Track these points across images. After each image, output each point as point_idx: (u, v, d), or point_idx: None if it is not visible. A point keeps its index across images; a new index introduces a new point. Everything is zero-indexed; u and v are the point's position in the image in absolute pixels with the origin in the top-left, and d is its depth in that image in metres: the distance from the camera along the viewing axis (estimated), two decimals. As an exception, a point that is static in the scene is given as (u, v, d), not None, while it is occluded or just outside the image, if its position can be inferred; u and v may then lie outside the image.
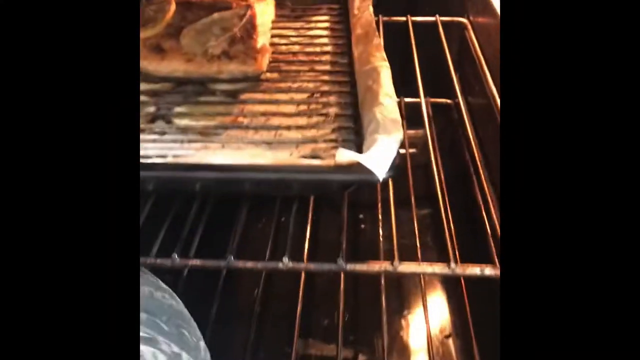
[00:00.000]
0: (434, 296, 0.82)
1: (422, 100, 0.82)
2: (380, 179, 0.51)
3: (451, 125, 1.05)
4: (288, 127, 0.71)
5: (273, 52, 0.85)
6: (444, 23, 1.02)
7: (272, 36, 0.90)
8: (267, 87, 0.80)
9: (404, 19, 1.01)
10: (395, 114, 0.62)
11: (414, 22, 1.00)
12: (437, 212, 0.65)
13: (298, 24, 0.97)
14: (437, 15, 1.03)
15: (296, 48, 0.90)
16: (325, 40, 0.92)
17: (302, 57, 0.87)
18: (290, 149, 0.67)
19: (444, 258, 0.58)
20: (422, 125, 0.77)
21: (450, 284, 0.82)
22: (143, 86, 0.79)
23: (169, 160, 0.59)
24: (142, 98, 0.77)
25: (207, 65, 0.78)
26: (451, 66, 0.92)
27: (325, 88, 0.79)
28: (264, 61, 0.80)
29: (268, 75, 0.81)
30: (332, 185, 0.63)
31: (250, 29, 0.81)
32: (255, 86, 0.80)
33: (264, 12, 0.89)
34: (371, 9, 0.91)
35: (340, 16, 0.98)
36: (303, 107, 0.75)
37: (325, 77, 0.81)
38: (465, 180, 0.91)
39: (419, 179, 0.79)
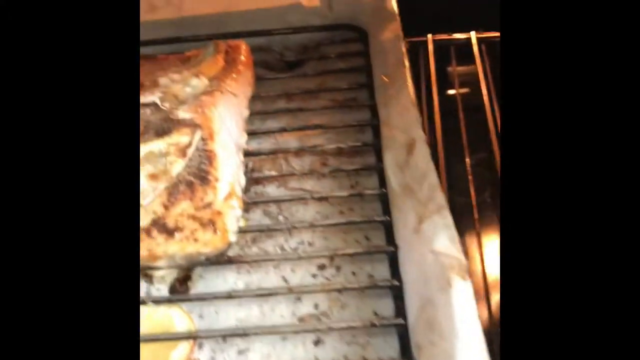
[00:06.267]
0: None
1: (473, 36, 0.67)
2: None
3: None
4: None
5: (249, 171, 0.49)
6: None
7: (250, 133, 0.52)
8: (238, 281, 0.45)
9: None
10: None
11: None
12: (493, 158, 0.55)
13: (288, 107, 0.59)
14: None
15: (283, 164, 0.53)
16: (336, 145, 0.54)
17: (293, 185, 0.51)
18: None
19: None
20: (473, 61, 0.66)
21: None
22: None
23: None
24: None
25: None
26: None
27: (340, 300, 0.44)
28: (232, 226, 0.44)
29: (237, 250, 0.46)
30: None
31: (206, 169, 0.44)
32: (213, 280, 0.45)
33: (238, 87, 0.51)
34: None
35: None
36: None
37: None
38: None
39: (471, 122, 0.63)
